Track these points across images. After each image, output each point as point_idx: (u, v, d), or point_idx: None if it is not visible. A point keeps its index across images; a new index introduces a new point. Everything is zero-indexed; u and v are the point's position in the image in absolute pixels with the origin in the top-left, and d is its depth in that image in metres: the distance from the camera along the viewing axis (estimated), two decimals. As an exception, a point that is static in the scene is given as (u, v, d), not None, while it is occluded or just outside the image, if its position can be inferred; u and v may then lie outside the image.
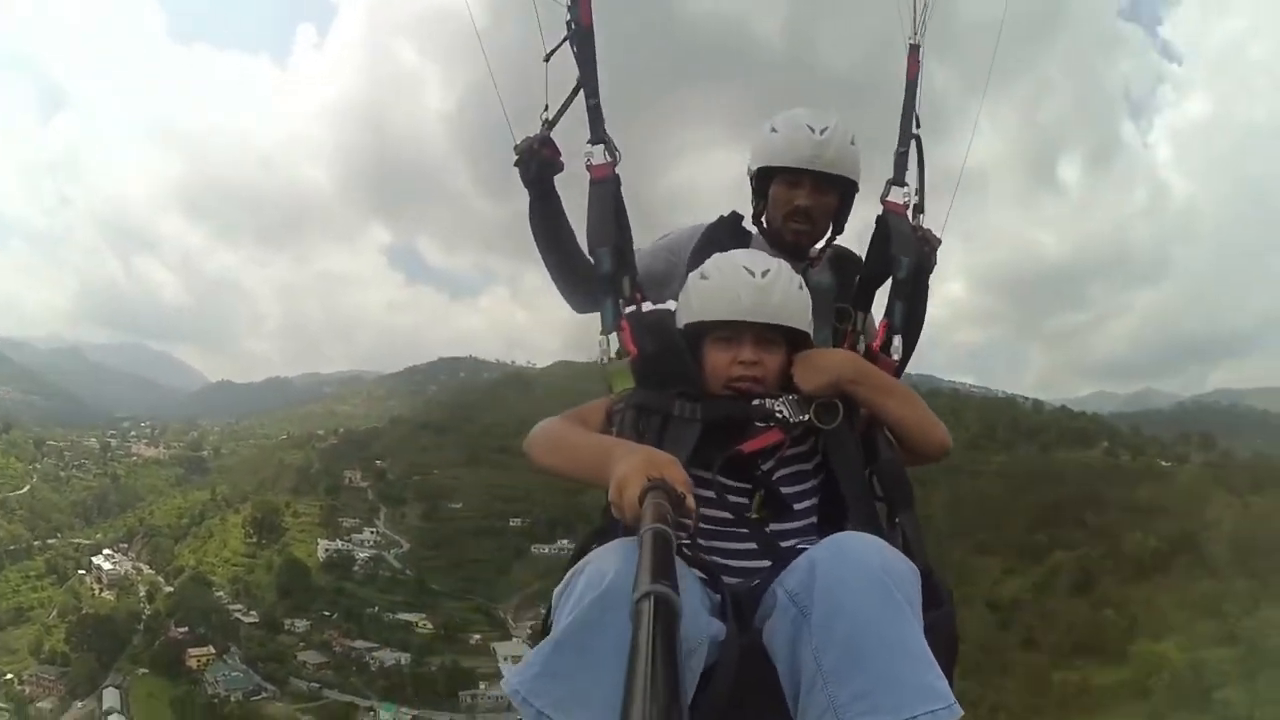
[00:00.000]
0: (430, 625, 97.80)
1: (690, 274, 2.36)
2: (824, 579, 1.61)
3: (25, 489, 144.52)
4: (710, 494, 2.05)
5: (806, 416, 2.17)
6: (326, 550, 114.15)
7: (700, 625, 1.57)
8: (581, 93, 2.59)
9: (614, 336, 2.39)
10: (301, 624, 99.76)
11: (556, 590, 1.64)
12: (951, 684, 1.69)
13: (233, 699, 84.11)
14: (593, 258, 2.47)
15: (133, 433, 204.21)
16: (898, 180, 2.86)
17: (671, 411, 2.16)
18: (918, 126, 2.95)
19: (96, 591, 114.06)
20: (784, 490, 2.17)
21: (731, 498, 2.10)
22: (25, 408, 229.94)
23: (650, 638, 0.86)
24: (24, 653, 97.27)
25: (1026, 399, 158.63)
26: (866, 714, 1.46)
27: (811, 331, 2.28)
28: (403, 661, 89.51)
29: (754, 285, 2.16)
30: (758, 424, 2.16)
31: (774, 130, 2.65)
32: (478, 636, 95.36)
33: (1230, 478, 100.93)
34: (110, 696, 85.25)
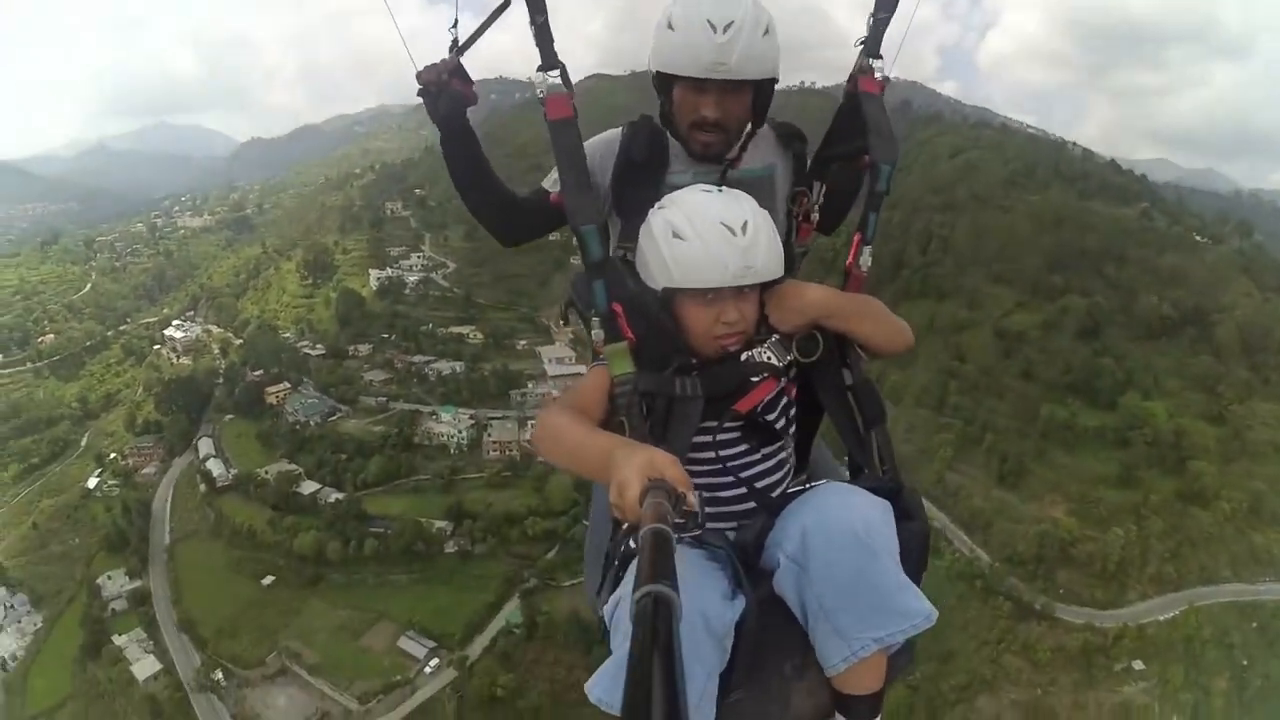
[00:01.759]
0: (480, 335, 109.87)
1: (655, 221, 2.36)
2: (815, 542, 1.99)
3: (87, 288, 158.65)
4: (710, 454, 2.34)
5: (791, 356, 2.41)
6: (378, 279, 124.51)
7: (726, 615, 1.93)
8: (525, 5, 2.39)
9: (606, 319, 2.44)
10: (364, 348, 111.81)
11: (606, 610, 2.07)
12: (923, 576, 2.22)
13: (311, 423, 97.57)
14: (576, 236, 2.43)
15: (175, 209, 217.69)
16: (872, 50, 2.71)
17: (674, 392, 2.32)
18: None
19: (174, 360, 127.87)
20: (769, 418, 2.41)
21: (724, 452, 2.36)
22: (66, 215, 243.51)
23: (651, 637, 0.93)
24: (120, 431, 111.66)
25: (1077, 146, 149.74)
26: (863, 632, 1.95)
27: (784, 272, 2.40)
28: (458, 370, 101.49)
29: (738, 248, 2.23)
30: (752, 380, 2.36)
31: (670, 27, 2.45)
32: (523, 342, 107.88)
33: (1259, 270, 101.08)
34: (205, 445, 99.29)
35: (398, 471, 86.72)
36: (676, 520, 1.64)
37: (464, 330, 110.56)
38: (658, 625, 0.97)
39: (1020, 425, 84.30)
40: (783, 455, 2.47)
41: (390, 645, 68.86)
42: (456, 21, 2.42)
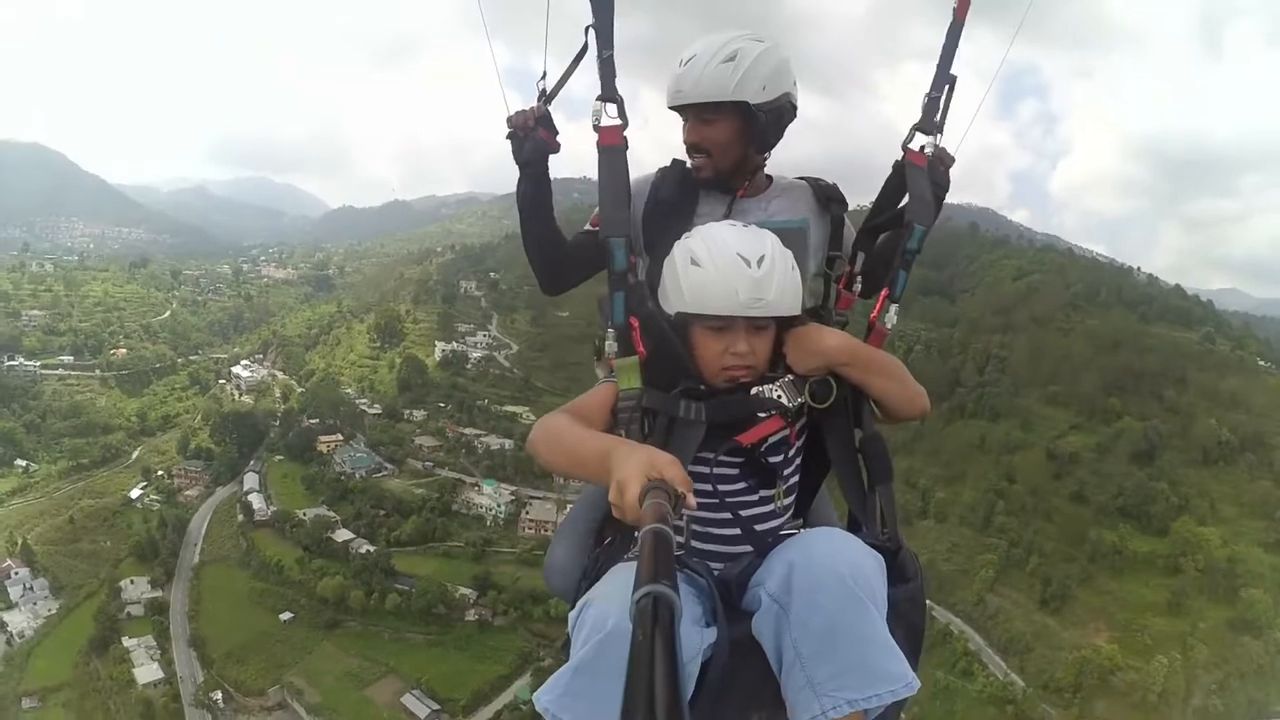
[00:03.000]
0: (533, 416, 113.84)
1: (677, 249, 2.52)
2: (799, 582, 2.03)
3: (166, 314, 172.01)
4: (706, 486, 2.40)
5: (803, 399, 2.50)
6: (442, 351, 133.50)
7: (694, 640, 2.01)
8: (594, 46, 2.65)
9: (620, 333, 2.59)
10: (419, 414, 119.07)
11: (571, 615, 2.10)
12: (920, 648, 2.39)
13: (357, 475, 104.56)
14: (605, 246, 2.61)
15: (262, 258, 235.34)
16: (924, 127, 2.91)
17: (677, 414, 2.42)
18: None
19: (236, 396, 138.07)
20: (771, 460, 2.52)
21: (722, 486, 2.45)
22: (157, 246, 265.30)
23: (650, 637, 0.98)
24: (172, 451, 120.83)
25: (1142, 272, 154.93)
26: (837, 690, 1.95)
27: (802, 311, 2.58)
28: (506, 446, 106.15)
29: (750, 279, 2.35)
30: (759, 415, 2.46)
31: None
32: None
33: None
34: (250, 480, 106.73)
35: (432, 534, 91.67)
36: (676, 522, 1.76)
37: (518, 410, 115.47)
38: (658, 625, 1.00)
39: (1067, 549, 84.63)
40: (782, 502, 2.55)
41: (394, 700, 71.35)
42: (545, 74, 2.68)
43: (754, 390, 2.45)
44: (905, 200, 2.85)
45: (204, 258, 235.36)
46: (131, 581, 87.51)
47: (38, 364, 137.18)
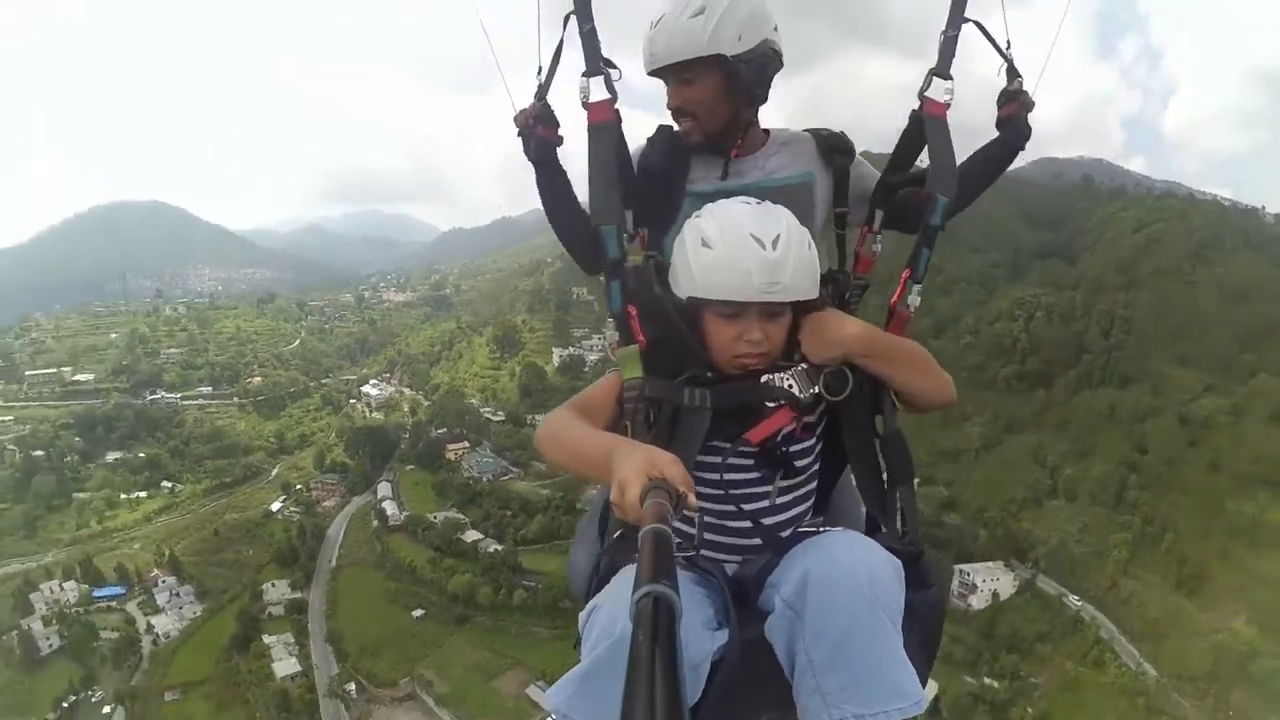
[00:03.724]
0: None
1: (688, 229, 2.43)
2: (815, 588, 1.99)
3: (296, 343, 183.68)
4: (715, 475, 2.36)
5: (816, 389, 2.40)
6: (560, 356, 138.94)
7: (703, 644, 1.99)
8: (575, 19, 2.62)
9: (620, 321, 2.54)
10: (541, 416, 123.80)
11: (581, 616, 2.07)
12: (934, 656, 2.37)
13: (484, 479, 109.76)
14: (596, 235, 2.56)
15: (381, 284, 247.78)
16: (941, 71, 2.75)
17: (681, 401, 2.37)
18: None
19: (367, 414, 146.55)
20: (788, 449, 2.45)
21: (731, 476, 2.39)
22: (282, 283, 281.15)
23: (651, 637, 0.99)
24: (309, 467, 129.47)
25: (1267, 211, 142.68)
26: (846, 702, 1.92)
27: (818, 293, 2.45)
28: None
29: (765, 261, 2.26)
30: (769, 404, 2.38)
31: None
32: None
33: None
34: (383, 489, 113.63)
35: (557, 532, 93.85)
36: (684, 523, 1.82)
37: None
38: (658, 626, 1.01)
39: (1203, 523, 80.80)
40: (798, 494, 2.50)
41: (519, 691, 73.19)
42: (540, 69, 2.68)
43: (764, 378, 2.39)
44: (927, 164, 2.75)
45: (326, 289, 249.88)
46: (273, 585, 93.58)
47: (178, 396, 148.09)
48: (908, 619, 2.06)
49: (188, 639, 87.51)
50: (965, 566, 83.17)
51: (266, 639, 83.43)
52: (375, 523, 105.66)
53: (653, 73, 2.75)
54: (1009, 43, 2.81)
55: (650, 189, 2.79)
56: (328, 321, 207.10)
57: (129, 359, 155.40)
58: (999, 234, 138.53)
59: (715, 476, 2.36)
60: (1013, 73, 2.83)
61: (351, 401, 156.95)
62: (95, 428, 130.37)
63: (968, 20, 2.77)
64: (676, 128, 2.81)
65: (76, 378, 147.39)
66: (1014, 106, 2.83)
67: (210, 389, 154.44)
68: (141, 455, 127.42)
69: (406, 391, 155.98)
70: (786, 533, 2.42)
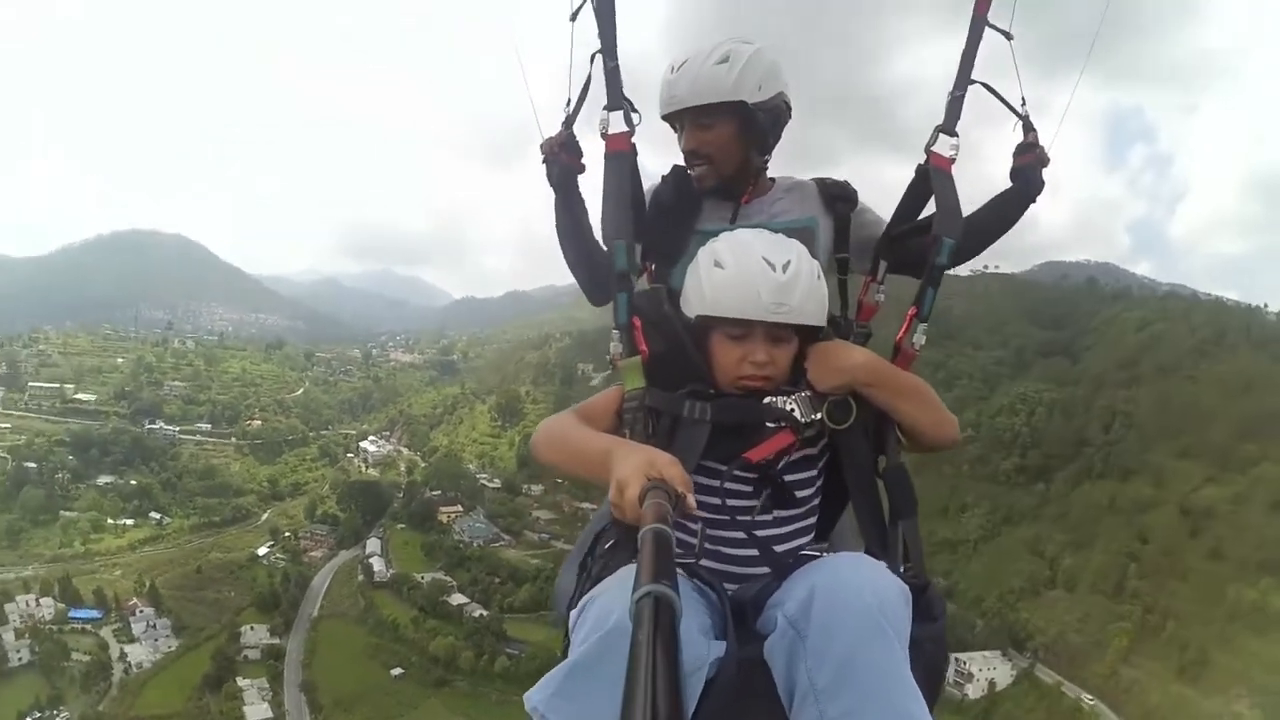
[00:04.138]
0: None
1: (702, 253, 2.50)
2: (820, 607, 1.91)
3: (299, 391, 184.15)
4: (716, 500, 2.33)
5: (819, 416, 2.39)
6: None
7: (699, 650, 1.89)
8: (600, 57, 2.74)
9: (624, 334, 2.58)
10: (537, 489, 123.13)
11: (573, 614, 2.02)
12: (938, 693, 2.26)
13: (475, 544, 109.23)
14: (606, 248, 2.66)
15: (390, 344, 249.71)
16: (947, 128, 2.84)
17: (681, 413, 2.39)
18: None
19: (363, 469, 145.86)
20: (788, 478, 2.43)
21: (732, 501, 2.35)
22: (292, 331, 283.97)
23: (650, 637, 0.98)
24: (300, 516, 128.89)
25: (1269, 309, 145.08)
26: None
27: (825, 323, 2.50)
28: None
29: (774, 282, 2.30)
30: (769, 425, 2.37)
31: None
32: None
33: None
34: (373, 545, 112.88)
35: (545, 602, 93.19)
36: (684, 523, 1.83)
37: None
38: (659, 626, 1.00)
39: (1204, 610, 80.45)
40: (799, 526, 2.47)
41: (496, 760, 72.97)
42: (569, 100, 2.80)
43: (767, 399, 2.40)
44: (933, 211, 2.81)
45: (335, 342, 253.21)
46: (251, 628, 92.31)
47: (176, 429, 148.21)
48: (912, 651, 1.98)
49: (160, 671, 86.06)
50: (961, 655, 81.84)
51: (240, 681, 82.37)
52: (361, 577, 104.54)
53: (668, 116, 2.85)
54: (1024, 99, 2.95)
55: (661, 224, 2.90)
56: (333, 374, 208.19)
57: (132, 385, 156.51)
58: (1003, 332, 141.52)
59: (716, 501, 2.34)
60: (1028, 127, 2.94)
61: (349, 455, 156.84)
62: (90, 448, 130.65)
63: (974, 82, 2.88)
64: (690, 172, 2.89)
65: (78, 396, 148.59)
66: (1029, 158, 2.92)
67: (209, 426, 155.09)
68: (133, 482, 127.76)
69: (405, 451, 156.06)
70: (791, 558, 2.39)
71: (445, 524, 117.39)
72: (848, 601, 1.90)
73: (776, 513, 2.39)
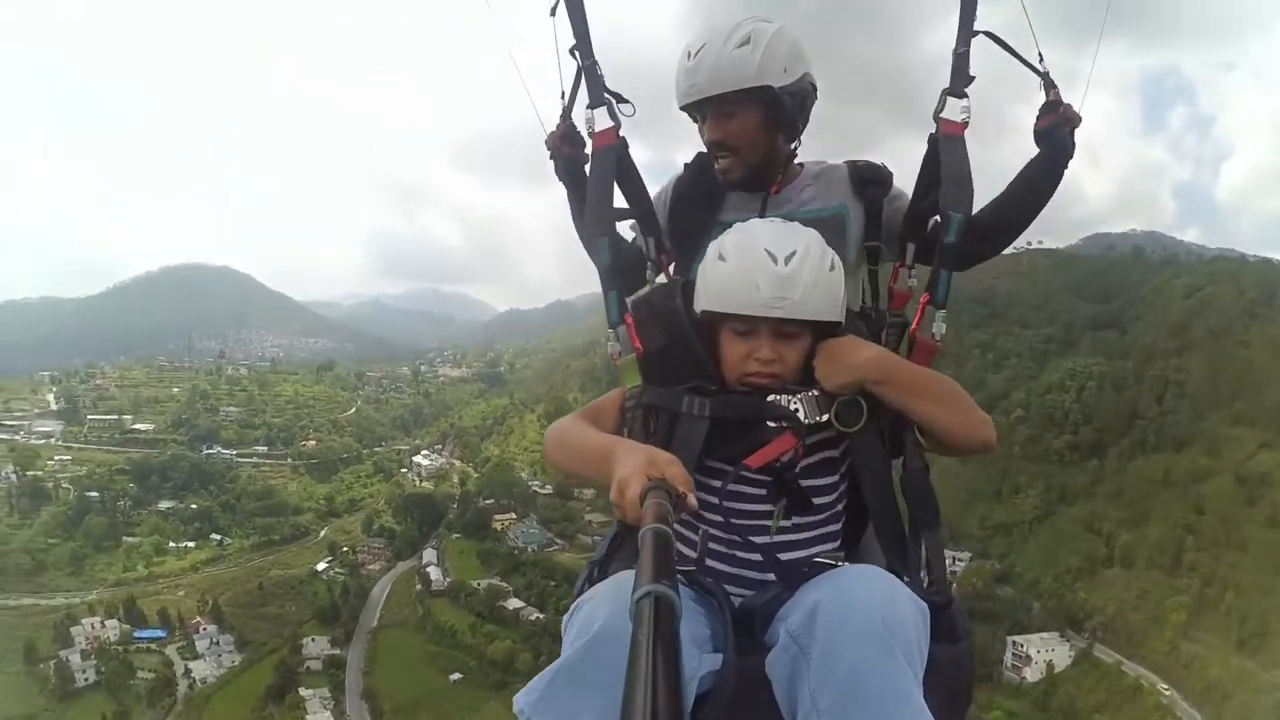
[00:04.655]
0: None
1: (711, 246, 2.40)
2: (825, 623, 1.81)
3: (351, 410, 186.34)
4: (714, 499, 2.21)
5: (826, 417, 2.26)
6: None
7: (690, 662, 1.82)
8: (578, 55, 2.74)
9: (620, 331, 2.52)
10: (589, 493, 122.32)
11: (565, 619, 1.96)
12: (965, 715, 2.19)
13: (529, 550, 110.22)
14: (589, 248, 2.65)
15: (437, 360, 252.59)
16: (955, 89, 2.64)
17: (679, 409, 2.32)
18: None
19: (417, 483, 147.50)
20: (805, 483, 2.29)
21: (739, 505, 2.25)
22: (341, 353, 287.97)
23: (650, 637, 0.97)
24: (356, 531, 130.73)
25: None
26: None
27: (841, 318, 2.34)
28: None
29: (775, 275, 2.19)
30: (770, 424, 2.26)
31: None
32: None
33: None
34: (429, 555, 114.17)
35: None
36: (678, 543, 1.78)
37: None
38: (659, 626, 0.99)
39: (1264, 579, 78.75)
40: (819, 533, 2.33)
41: (556, 759, 72.91)
42: (563, 94, 2.79)
43: (770, 397, 2.29)
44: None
45: (384, 361, 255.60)
46: (313, 640, 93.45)
47: (234, 453, 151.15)
48: (930, 674, 1.84)
49: (224, 686, 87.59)
50: (1019, 638, 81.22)
51: (303, 691, 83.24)
52: (419, 587, 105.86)
53: (687, 107, 2.70)
54: (1041, 55, 2.63)
55: (682, 215, 2.85)
56: (384, 392, 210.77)
57: (189, 413, 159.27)
58: (1049, 309, 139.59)
59: (716, 500, 2.22)
60: (1049, 84, 2.63)
61: (403, 470, 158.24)
62: (150, 475, 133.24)
63: (978, 33, 2.65)
64: (715, 165, 2.75)
65: (136, 426, 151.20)
66: (1052, 117, 2.61)
67: (265, 449, 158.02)
68: (193, 506, 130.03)
69: (457, 463, 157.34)
70: (803, 567, 2.22)
71: (499, 531, 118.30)
72: (855, 619, 1.80)
73: (795, 519, 2.28)
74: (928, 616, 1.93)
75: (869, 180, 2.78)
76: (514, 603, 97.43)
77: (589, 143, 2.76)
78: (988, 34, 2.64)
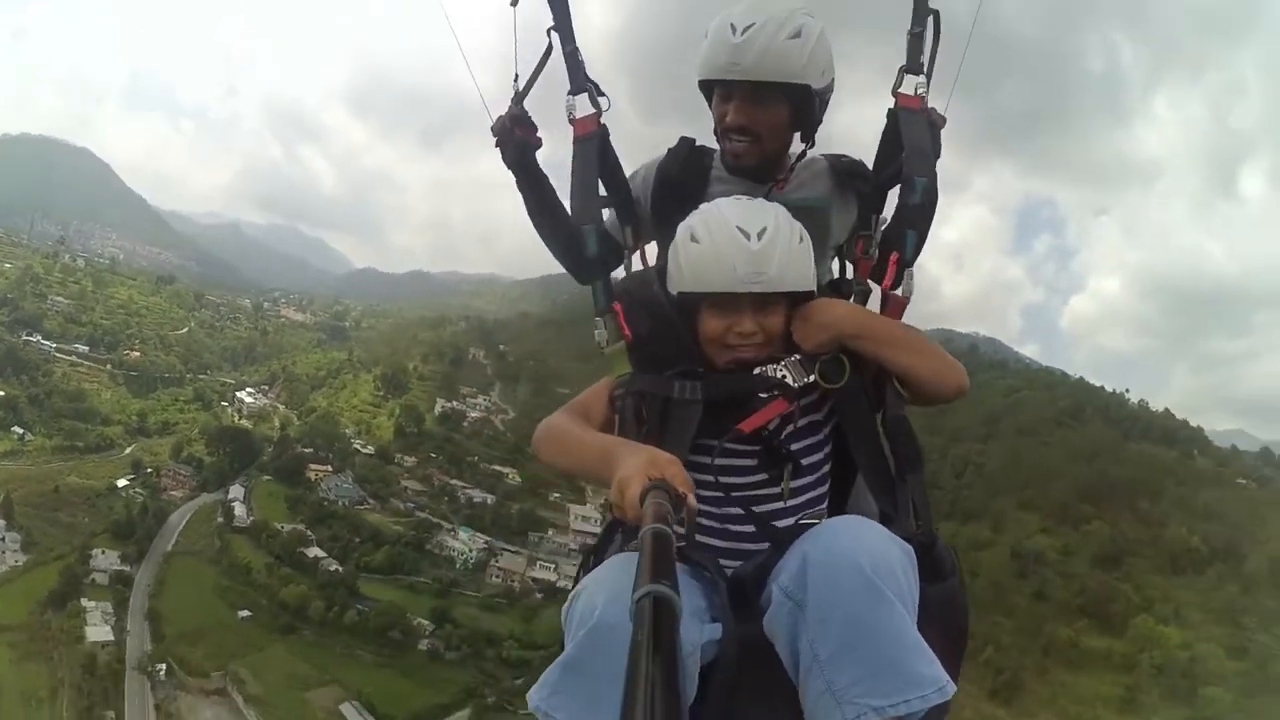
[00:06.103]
0: (519, 478, 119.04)
1: (680, 228, 2.44)
2: (815, 575, 1.85)
3: (184, 331, 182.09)
4: (709, 478, 2.28)
5: (812, 378, 2.34)
6: (442, 406, 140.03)
7: (691, 635, 1.87)
8: (557, 40, 2.68)
9: (607, 320, 2.58)
10: (410, 460, 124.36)
11: (564, 608, 1.98)
12: (962, 651, 2.22)
13: (340, 504, 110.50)
14: (576, 236, 2.63)
15: (282, 300, 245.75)
16: (912, 67, 2.73)
17: (671, 394, 2.36)
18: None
19: (236, 419, 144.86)
20: (794, 446, 2.38)
21: (730, 479, 2.34)
22: (185, 271, 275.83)
23: (650, 637, 0.97)
24: (164, 455, 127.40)
25: (1130, 394, 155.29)
26: (861, 697, 1.75)
27: (814, 286, 2.43)
28: (488, 500, 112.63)
29: (750, 252, 2.24)
30: (761, 395, 2.32)
31: (705, 34, 2.60)
32: (557, 495, 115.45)
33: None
34: (236, 491, 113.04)
35: (400, 567, 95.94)
36: (682, 524, 1.77)
37: (506, 470, 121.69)
38: (659, 627, 1.00)
39: (1022, 641, 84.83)
40: (811, 496, 2.41)
41: (332, 708, 74.95)
42: (517, 75, 2.71)
43: (757, 370, 2.36)
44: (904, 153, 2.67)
45: (228, 289, 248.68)
46: (103, 552, 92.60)
47: (54, 345, 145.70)
48: (923, 613, 1.93)
49: (4, 584, 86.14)
50: None
51: (85, 602, 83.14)
52: (220, 520, 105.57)
53: (718, 81, 2.65)
54: (961, 62, 2.85)
55: (669, 198, 2.82)
56: (221, 319, 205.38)
57: (15, 293, 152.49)
58: None
59: (710, 478, 2.31)
60: (915, 76, 2.78)
61: (224, 404, 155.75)
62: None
63: (932, 12, 2.80)
64: (728, 145, 2.73)
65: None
66: (915, 101, 2.75)
67: (87, 349, 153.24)
68: (1, 392, 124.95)
69: (281, 408, 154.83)
70: (792, 534, 2.19)
71: (313, 481, 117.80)
72: (843, 567, 1.85)
73: (789, 483, 2.40)
74: (914, 557, 2.01)
75: (851, 174, 2.85)
76: (315, 551, 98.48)
77: (539, 128, 2.76)
78: (935, 13, 2.81)
